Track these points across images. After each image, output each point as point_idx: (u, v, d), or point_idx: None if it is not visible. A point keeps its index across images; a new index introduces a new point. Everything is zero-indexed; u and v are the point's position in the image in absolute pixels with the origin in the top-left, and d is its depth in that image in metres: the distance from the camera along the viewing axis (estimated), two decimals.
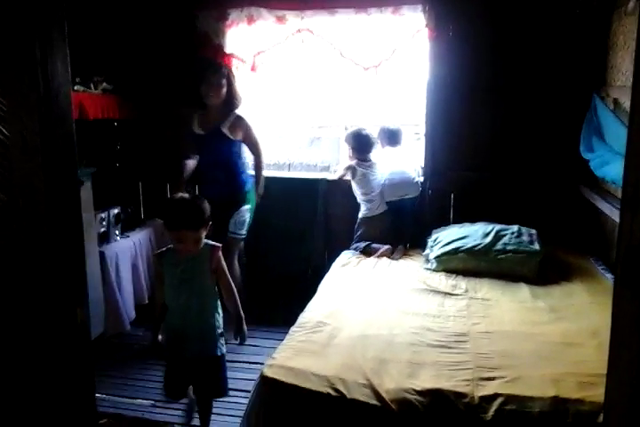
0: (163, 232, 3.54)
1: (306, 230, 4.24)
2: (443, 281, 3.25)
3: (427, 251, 3.60)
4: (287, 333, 2.57)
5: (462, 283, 3.20)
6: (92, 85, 3.68)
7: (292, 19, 3.93)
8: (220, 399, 2.74)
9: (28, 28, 0.95)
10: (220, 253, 2.49)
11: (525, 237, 3.43)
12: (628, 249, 0.99)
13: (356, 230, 3.97)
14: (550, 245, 3.52)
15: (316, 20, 3.92)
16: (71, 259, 1.10)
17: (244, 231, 3.71)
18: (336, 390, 2.06)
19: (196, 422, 2.65)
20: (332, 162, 4.50)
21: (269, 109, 4.46)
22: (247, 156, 3.80)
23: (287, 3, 3.90)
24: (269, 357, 2.33)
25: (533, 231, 3.52)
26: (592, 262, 3.50)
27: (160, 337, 2.49)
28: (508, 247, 3.34)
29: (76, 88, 3.47)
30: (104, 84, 3.79)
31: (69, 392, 1.14)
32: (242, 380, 3.05)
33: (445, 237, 3.52)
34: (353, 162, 3.98)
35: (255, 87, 4.34)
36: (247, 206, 3.70)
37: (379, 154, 4.05)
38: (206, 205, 2.45)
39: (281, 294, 4.18)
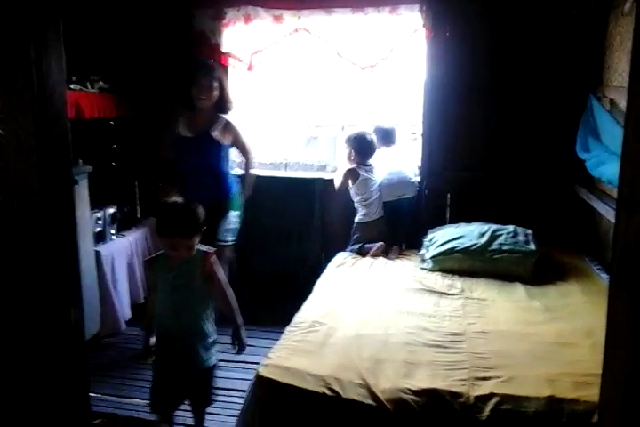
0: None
1: (302, 230, 4.24)
2: (438, 281, 3.25)
3: (423, 251, 3.60)
4: (283, 332, 2.57)
5: (458, 283, 3.21)
6: (88, 84, 3.67)
7: (289, 18, 3.92)
8: (216, 399, 2.74)
9: (22, 27, 0.95)
10: (214, 258, 2.42)
11: (521, 237, 3.43)
12: (623, 249, 0.99)
13: (352, 234, 3.96)
14: (546, 245, 3.53)
15: (313, 20, 3.92)
16: (65, 259, 1.10)
17: (232, 238, 3.60)
18: (332, 389, 2.06)
19: (190, 421, 2.64)
20: (329, 161, 4.50)
21: (266, 109, 4.46)
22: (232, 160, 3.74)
23: (284, 2, 3.90)
24: (265, 356, 2.33)
25: (529, 231, 3.52)
26: (587, 262, 3.50)
27: (152, 341, 2.42)
28: (504, 247, 3.34)
29: (72, 87, 3.46)
30: (100, 82, 3.78)
31: (63, 392, 1.14)
32: (238, 379, 3.05)
33: (441, 237, 3.52)
34: (353, 165, 3.92)
35: (252, 87, 4.34)
36: (235, 212, 3.59)
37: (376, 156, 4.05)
38: (201, 211, 2.39)
39: (277, 293, 4.17)
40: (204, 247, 2.43)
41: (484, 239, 3.41)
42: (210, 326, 2.43)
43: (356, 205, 3.96)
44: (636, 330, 0.98)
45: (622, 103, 3.18)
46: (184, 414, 2.56)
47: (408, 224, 3.98)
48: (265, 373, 2.16)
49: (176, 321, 2.36)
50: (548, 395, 2.01)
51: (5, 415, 1.15)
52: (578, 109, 3.61)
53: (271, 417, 2.12)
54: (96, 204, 3.58)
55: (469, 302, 2.93)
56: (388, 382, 2.10)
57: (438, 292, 3.07)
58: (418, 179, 4.03)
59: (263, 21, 3.97)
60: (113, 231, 3.77)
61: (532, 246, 3.36)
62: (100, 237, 3.62)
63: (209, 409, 2.70)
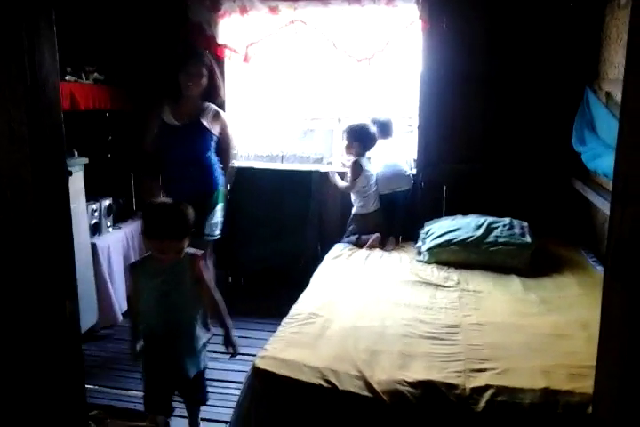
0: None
1: (298, 222, 4.24)
2: (435, 273, 3.26)
3: (419, 243, 3.61)
4: (280, 324, 2.57)
5: (454, 275, 3.21)
6: (83, 75, 3.65)
7: (285, 9, 3.90)
8: (213, 392, 2.74)
9: (14, 18, 0.94)
10: (202, 261, 2.35)
11: (517, 230, 3.44)
12: (618, 242, 0.99)
13: (348, 225, 3.96)
14: (542, 237, 3.54)
15: (310, 11, 3.90)
16: (59, 251, 1.09)
17: (218, 231, 3.56)
18: (328, 381, 2.07)
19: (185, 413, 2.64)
20: (325, 154, 4.49)
21: (262, 101, 4.44)
22: None
23: None
24: (261, 348, 2.33)
25: (525, 224, 3.53)
26: (583, 255, 3.52)
27: (139, 346, 2.32)
28: (500, 240, 3.35)
29: (67, 78, 3.44)
30: (95, 74, 3.76)
31: (59, 384, 1.14)
32: (234, 371, 3.06)
33: (437, 230, 3.52)
34: (356, 157, 3.88)
35: (248, 78, 4.32)
36: (221, 205, 3.53)
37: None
38: (190, 211, 2.28)
39: (273, 285, 4.18)
40: (192, 250, 2.33)
41: (480, 232, 3.41)
42: (200, 330, 2.35)
43: (353, 197, 3.95)
44: (630, 322, 0.99)
45: (618, 96, 3.18)
46: (182, 406, 2.56)
47: (403, 217, 3.98)
48: (261, 364, 2.16)
49: (166, 327, 2.28)
50: (544, 387, 2.02)
51: (2, 407, 1.15)
52: (574, 102, 3.61)
53: (267, 409, 2.12)
54: (92, 196, 3.57)
55: (465, 295, 2.93)
56: (384, 374, 2.10)
57: (434, 284, 3.08)
58: (413, 171, 4.03)
59: (259, 13, 3.94)
60: (109, 223, 3.76)
61: (528, 239, 3.36)
62: (96, 229, 3.61)
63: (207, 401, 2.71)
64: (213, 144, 3.46)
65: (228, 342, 2.37)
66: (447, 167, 3.98)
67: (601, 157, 3.08)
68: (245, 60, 4.01)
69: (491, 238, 3.37)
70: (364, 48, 3.89)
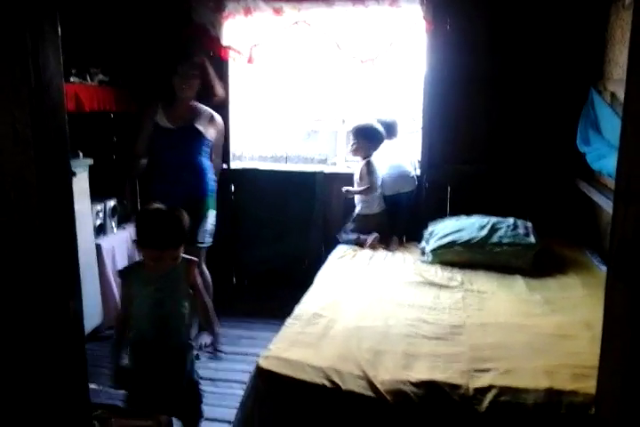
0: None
1: (302, 223, 4.24)
2: (438, 273, 3.26)
3: (423, 244, 3.61)
4: (283, 324, 2.57)
5: (458, 275, 3.21)
6: (87, 77, 3.66)
7: (289, 10, 3.90)
8: (217, 391, 2.75)
9: (18, 19, 0.94)
10: (196, 268, 2.31)
11: (521, 230, 3.43)
12: (620, 242, 0.99)
13: (350, 223, 3.95)
14: (546, 237, 3.53)
15: (314, 12, 3.90)
16: (63, 251, 1.10)
17: (210, 239, 3.49)
18: (331, 381, 2.07)
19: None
20: (329, 155, 4.50)
21: (267, 102, 4.45)
22: None
23: None
24: (265, 348, 2.33)
25: (529, 224, 3.53)
26: (588, 255, 3.51)
27: (123, 362, 2.19)
28: (504, 240, 3.35)
29: (71, 80, 3.45)
30: (100, 75, 3.77)
31: (63, 383, 1.15)
32: (238, 371, 3.07)
33: (441, 230, 3.52)
34: (365, 157, 3.86)
35: (252, 80, 4.33)
36: (212, 212, 3.47)
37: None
38: (186, 218, 2.20)
39: (277, 286, 4.19)
40: (186, 256, 2.26)
41: (484, 232, 3.41)
42: (193, 340, 2.31)
43: (357, 197, 3.94)
44: (632, 322, 0.99)
45: (623, 96, 3.17)
46: None
47: (407, 218, 3.97)
48: (265, 364, 2.16)
49: (158, 336, 2.19)
50: (547, 387, 2.01)
51: (5, 407, 1.16)
52: (579, 102, 3.60)
53: (271, 408, 2.13)
54: (96, 196, 3.58)
55: (469, 295, 2.93)
56: (388, 374, 2.10)
57: (438, 284, 3.08)
58: (417, 172, 4.03)
59: (263, 14, 3.95)
60: (113, 224, 3.77)
61: (532, 239, 3.36)
62: (101, 230, 3.62)
63: (211, 401, 2.71)
64: (207, 149, 3.42)
65: (215, 346, 2.34)
66: (451, 168, 3.98)
67: (606, 158, 3.08)
68: (250, 61, 4.02)
69: (495, 239, 3.36)
70: (367, 49, 3.89)
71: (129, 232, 3.87)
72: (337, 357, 2.22)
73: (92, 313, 3.42)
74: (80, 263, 1.17)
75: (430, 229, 3.65)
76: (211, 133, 3.41)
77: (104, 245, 3.55)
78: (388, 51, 3.87)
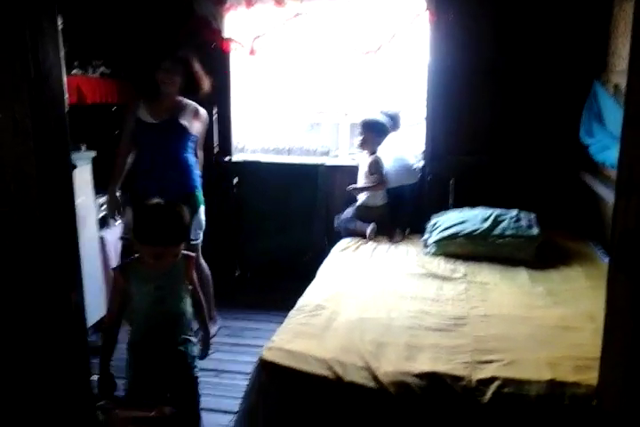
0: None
1: (305, 215, 4.25)
2: (441, 265, 3.25)
3: (426, 235, 3.60)
4: (286, 316, 2.58)
5: (461, 267, 3.21)
6: (89, 69, 3.65)
7: (291, 2, 3.89)
8: (221, 383, 2.76)
9: (17, 13, 0.94)
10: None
11: (524, 222, 3.43)
12: (622, 234, 0.99)
13: (352, 210, 3.91)
14: (549, 229, 3.52)
15: (315, 4, 3.88)
16: (64, 243, 1.10)
17: (202, 233, 3.40)
18: (334, 372, 2.07)
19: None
20: (332, 147, 4.49)
21: (269, 94, 4.44)
22: None
23: None
24: (268, 340, 2.34)
25: (532, 216, 3.52)
26: (591, 247, 3.50)
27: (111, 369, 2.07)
28: (507, 232, 3.34)
29: (73, 72, 3.45)
30: (102, 67, 3.76)
31: (65, 374, 1.15)
32: (241, 362, 3.08)
33: (444, 222, 3.52)
34: (373, 152, 3.83)
35: (254, 72, 4.32)
36: (202, 207, 3.38)
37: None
38: (186, 213, 2.13)
39: (280, 278, 4.20)
40: (185, 252, 2.20)
41: (487, 224, 3.40)
42: (193, 339, 2.25)
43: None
44: (634, 313, 0.99)
45: None
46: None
47: (410, 210, 3.97)
48: (268, 356, 2.17)
49: (160, 335, 2.14)
50: (550, 378, 2.01)
51: (8, 398, 1.16)
52: (582, 94, 3.58)
53: (274, 400, 2.13)
54: (100, 189, 3.58)
55: (472, 287, 2.93)
56: (390, 366, 2.11)
57: (441, 276, 3.08)
58: (421, 164, 4.02)
59: (265, 5, 3.93)
60: (117, 217, 3.77)
61: (535, 231, 3.35)
62: (105, 223, 3.62)
63: (215, 392, 2.73)
64: (192, 144, 3.33)
65: (206, 344, 2.30)
66: (454, 159, 3.96)
67: (609, 149, 3.06)
68: (251, 53, 4.00)
69: (498, 231, 3.36)
70: (370, 41, 3.87)
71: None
72: (340, 348, 2.23)
73: (96, 305, 3.43)
74: (83, 255, 1.18)
75: (433, 220, 3.64)
76: (196, 128, 3.33)
77: (108, 237, 3.55)
78: (391, 42, 3.85)
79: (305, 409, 2.10)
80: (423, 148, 4.03)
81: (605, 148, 3.13)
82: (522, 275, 3.10)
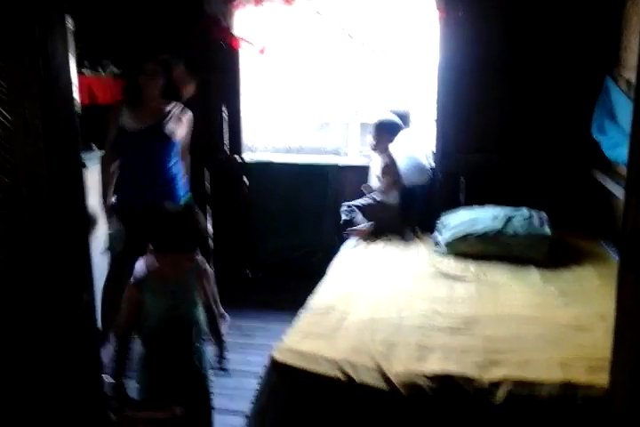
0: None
1: (316, 215, 4.24)
2: (452, 265, 3.24)
3: (436, 235, 3.59)
4: (297, 316, 2.58)
5: (472, 267, 3.19)
6: (100, 69, 3.67)
7: (300, 0, 3.88)
8: (231, 383, 2.77)
9: (27, 11, 0.94)
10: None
11: (536, 221, 3.40)
12: (632, 232, 0.97)
13: (363, 202, 3.88)
14: (561, 228, 3.50)
15: (325, 2, 3.87)
16: (75, 243, 1.11)
17: None
18: (345, 373, 2.07)
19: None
20: (342, 146, 4.48)
21: (278, 93, 4.44)
22: None
23: None
24: (279, 340, 2.34)
25: (544, 215, 3.49)
26: (603, 246, 3.47)
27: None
28: (518, 231, 3.32)
29: (84, 72, 3.46)
30: (112, 67, 3.78)
31: (76, 374, 1.16)
32: (252, 362, 3.08)
33: (455, 221, 3.50)
34: (387, 153, 3.78)
35: (263, 70, 4.32)
36: None
37: None
38: (201, 217, 2.13)
39: (291, 277, 4.20)
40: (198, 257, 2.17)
41: (498, 223, 3.38)
42: (206, 351, 2.23)
43: (377, 186, 3.88)
44: None
45: None
46: None
47: (421, 209, 3.94)
48: (278, 356, 2.17)
49: (173, 345, 2.12)
50: (562, 379, 2.00)
51: (19, 398, 1.17)
52: (594, 90, 3.55)
53: (285, 400, 2.13)
54: None
55: (483, 286, 2.91)
56: (401, 366, 2.10)
57: (452, 276, 3.06)
58: (431, 163, 4.00)
59: (274, 3, 3.93)
60: None
61: (547, 230, 3.33)
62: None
63: (225, 392, 2.73)
64: (176, 150, 3.25)
65: (222, 353, 2.26)
66: (464, 158, 3.94)
67: (621, 146, 3.04)
68: (261, 51, 4.00)
69: (509, 230, 3.33)
70: (379, 39, 3.86)
71: None
72: (350, 349, 2.22)
73: None
74: (95, 255, 1.18)
75: (444, 220, 3.63)
76: (180, 133, 3.25)
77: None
78: (401, 40, 3.83)
79: (315, 410, 2.10)
80: (434, 146, 4.01)
81: (618, 144, 3.10)
82: (533, 274, 3.07)
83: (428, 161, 3.99)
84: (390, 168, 3.77)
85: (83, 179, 1.22)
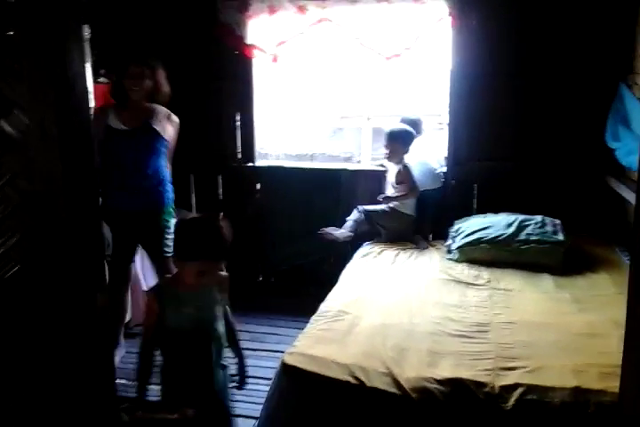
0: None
1: (328, 221, 4.24)
2: (465, 271, 3.23)
3: (449, 241, 3.58)
4: (309, 321, 2.58)
5: (485, 273, 3.18)
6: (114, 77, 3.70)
7: (313, 8, 3.91)
8: (242, 388, 2.77)
9: (45, 22, 0.97)
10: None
11: (549, 228, 3.39)
12: None
13: (376, 209, 3.86)
14: (575, 235, 3.48)
15: (337, 10, 3.89)
16: (90, 246, 1.12)
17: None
18: (356, 378, 2.07)
19: None
20: (355, 152, 4.50)
21: (291, 100, 4.47)
22: None
23: None
24: (290, 345, 2.35)
25: (557, 221, 3.47)
26: (618, 253, 3.45)
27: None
28: (532, 238, 3.30)
29: (100, 80, 3.50)
30: None
31: (89, 376, 1.17)
32: (264, 368, 3.08)
33: (468, 228, 3.49)
34: (401, 161, 3.76)
35: (277, 78, 4.35)
36: (173, 221, 3.18)
37: None
38: (226, 224, 2.02)
39: (303, 283, 4.20)
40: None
41: (512, 230, 3.37)
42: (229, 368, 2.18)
43: (393, 192, 3.85)
44: None
45: None
46: None
47: (433, 216, 3.94)
48: (290, 361, 2.18)
49: (195, 367, 2.05)
50: (574, 386, 1.99)
51: (33, 399, 1.19)
52: (607, 97, 3.53)
53: (296, 405, 2.14)
54: None
55: (496, 293, 2.91)
56: (413, 372, 2.10)
57: (464, 282, 3.06)
58: (444, 169, 4.00)
59: (287, 12, 3.96)
60: None
61: (561, 237, 3.31)
62: None
63: (236, 397, 2.73)
64: (164, 150, 3.21)
65: (242, 369, 2.20)
66: (478, 165, 3.94)
67: (635, 153, 3.02)
68: (274, 59, 4.04)
69: (522, 236, 3.32)
70: (392, 46, 3.87)
71: None
72: (362, 354, 2.23)
73: None
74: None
75: (456, 226, 3.62)
76: (169, 132, 3.22)
77: None
78: (413, 47, 3.84)
79: (326, 414, 2.10)
80: (446, 153, 4.01)
81: (632, 152, 3.09)
82: (546, 281, 3.06)
83: (441, 167, 3.99)
84: (405, 177, 3.76)
85: (96, 183, 1.24)
